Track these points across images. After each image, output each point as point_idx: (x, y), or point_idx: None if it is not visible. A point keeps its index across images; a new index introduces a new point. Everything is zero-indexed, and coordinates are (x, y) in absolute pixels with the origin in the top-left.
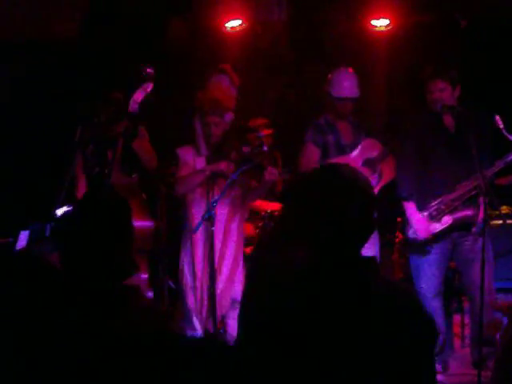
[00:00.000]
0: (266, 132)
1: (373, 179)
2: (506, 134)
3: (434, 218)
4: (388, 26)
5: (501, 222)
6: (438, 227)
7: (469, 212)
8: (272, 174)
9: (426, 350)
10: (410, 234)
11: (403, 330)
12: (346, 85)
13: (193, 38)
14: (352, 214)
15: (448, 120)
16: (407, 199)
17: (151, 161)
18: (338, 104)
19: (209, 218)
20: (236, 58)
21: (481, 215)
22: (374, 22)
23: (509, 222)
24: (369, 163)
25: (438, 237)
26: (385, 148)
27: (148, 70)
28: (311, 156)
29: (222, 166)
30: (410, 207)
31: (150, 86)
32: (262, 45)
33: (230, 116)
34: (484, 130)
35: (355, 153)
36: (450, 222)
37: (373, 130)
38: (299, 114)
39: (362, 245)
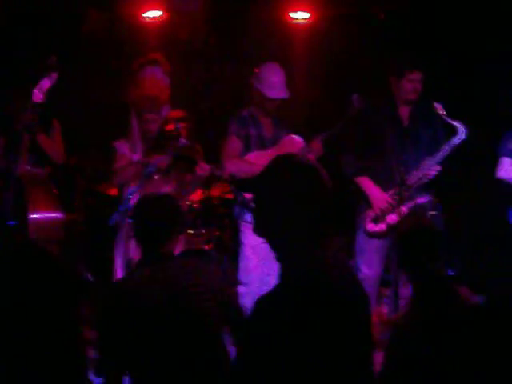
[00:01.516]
0: (181, 124)
1: None
2: (447, 119)
3: (392, 209)
4: (307, 18)
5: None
6: (395, 218)
7: (422, 200)
8: (203, 169)
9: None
10: (369, 227)
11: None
12: (275, 83)
13: (111, 29)
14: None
15: (404, 111)
16: (358, 174)
17: (58, 154)
18: (266, 102)
19: (125, 211)
20: (155, 49)
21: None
22: (293, 15)
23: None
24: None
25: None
26: (306, 145)
27: (52, 58)
28: (234, 148)
29: (156, 158)
30: (364, 180)
31: (54, 76)
32: (182, 36)
33: (166, 110)
34: (434, 119)
35: (276, 148)
36: (406, 211)
37: (293, 124)
38: (220, 106)
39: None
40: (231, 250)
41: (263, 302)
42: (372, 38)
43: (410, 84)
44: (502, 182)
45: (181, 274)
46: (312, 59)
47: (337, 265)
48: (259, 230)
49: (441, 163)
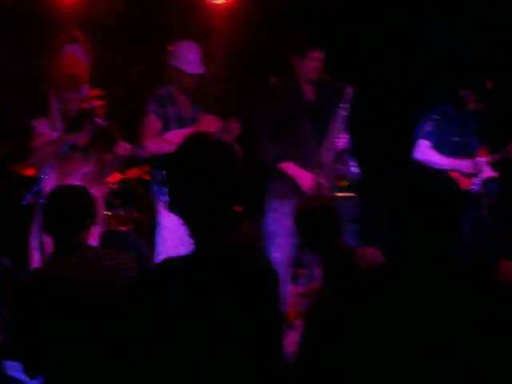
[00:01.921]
0: (97, 103)
1: None
2: (336, 83)
3: (319, 188)
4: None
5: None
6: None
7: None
8: (124, 148)
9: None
10: None
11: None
12: (192, 60)
13: (26, 4)
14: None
15: (309, 90)
16: (282, 159)
17: None
18: (185, 79)
19: (38, 192)
20: (72, 25)
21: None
22: None
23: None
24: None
25: None
26: (226, 124)
27: None
28: (153, 127)
29: (72, 137)
30: (288, 165)
31: None
32: (98, 13)
33: (86, 89)
34: (339, 102)
35: (194, 127)
36: (330, 188)
37: (212, 104)
38: (140, 86)
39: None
40: (150, 232)
41: (165, 269)
42: (290, 19)
43: (313, 63)
44: (418, 163)
45: (102, 261)
46: (230, 40)
47: (247, 244)
48: (173, 208)
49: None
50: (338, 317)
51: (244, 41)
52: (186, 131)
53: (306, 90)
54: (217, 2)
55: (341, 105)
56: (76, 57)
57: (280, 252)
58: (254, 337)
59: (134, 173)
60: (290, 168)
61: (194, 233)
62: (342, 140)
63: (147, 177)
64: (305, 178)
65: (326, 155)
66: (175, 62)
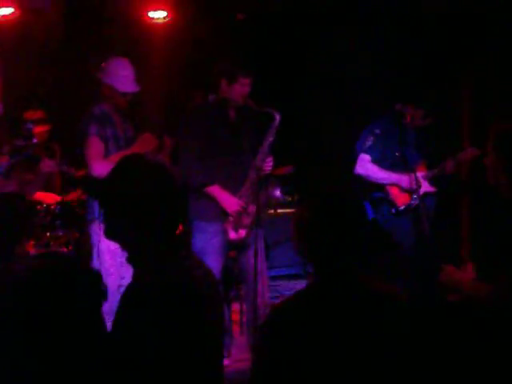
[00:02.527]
0: (40, 128)
1: None
2: (261, 109)
3: (243, 211)
4: (165, 17)
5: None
6: (247, 220)
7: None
8: (48, 165)
9: None
10: (232, 236)
11: None
12: (126, 78)
13: None
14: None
15: (232, 113)
16: (210, 184)
17: None
18: (118, 97)
19: None
20: (7, 47)
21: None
22: (151, 14)
23: (280, 211)
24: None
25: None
26: (160, 141)
27: None
28: (98, 150)
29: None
30: (214, 189)
31: None
32: (37, 34)
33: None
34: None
35: (134, 147)
36: (254, 209)
37: (149, 124)
38: (76, 105)
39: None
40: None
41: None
42: (232, 38)
43: (242, 88)
44: (359, 178)
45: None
46: (170, 58)
47: (200, 265)
48: (109, 234)
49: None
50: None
51: (181, 59)
52: (126, 153)
53: (229, 112)
54: (157, 21)
55: (269, 130)
56: None
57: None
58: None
59: (73, 194)
60: (216, 191)
61: (135, 259)
62: (268, 164)
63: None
64: (229, 202)
65: (252, 178)
66: (108, 79)
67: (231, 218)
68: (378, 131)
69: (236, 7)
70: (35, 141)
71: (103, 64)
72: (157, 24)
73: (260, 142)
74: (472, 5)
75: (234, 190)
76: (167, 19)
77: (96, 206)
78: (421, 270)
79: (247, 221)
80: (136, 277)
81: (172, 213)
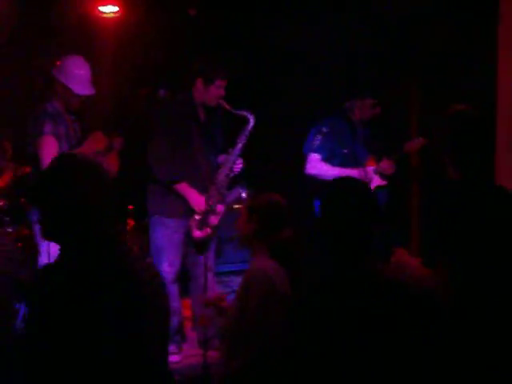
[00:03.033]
0: None
1: None
2: (235, 111)
3: (211, 210)
4: (116, 12)
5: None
6: (215, 220)
7: (232, 196)
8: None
9: None
10: (197, 234)
11: None
12: (83, 79)
13: None
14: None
15: (201, 112)
16: (179, 180)
17: None
18: (71, 98)
19: None
20: None
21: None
22: (101, 9)
23: (235, 206)
24: (98, 155)
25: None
26: (109, 140)
27: None
28: (53, 149)
29: None
30: (182, 186)
31: None
32: None
33: None
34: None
35: (85, 146)
36: (222, 209)
37: (98, 121)
38: (24, 103)
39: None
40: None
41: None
42: (182, 33)
43: (218, 90)
44: (310, 178)
45: None
46: (121, 54)
47: (141, 262)
48: (46, 235)
49: (241, 155)
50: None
51: (132, 55)
52: (78, 151)
53: (199, 111)
54: (108, 15)
55: (242, 132)
56: None
57: (171, 266)
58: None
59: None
60: (185, 189)
61: (67, 257)
62: (238, 165)
63: None
64: (198, 201)
65: (221, 178)
66: (63, 78)
67: (197, 217)
68: (325, 129)
69: (188, 2)
70: None
71: (58, 62)
72: (107, 19)
73: (230, 143)
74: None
75: (202, 190)
76: (117, 14)
77: None
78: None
79: (215, 220)
80: (71, 276)
81: (106, 211)
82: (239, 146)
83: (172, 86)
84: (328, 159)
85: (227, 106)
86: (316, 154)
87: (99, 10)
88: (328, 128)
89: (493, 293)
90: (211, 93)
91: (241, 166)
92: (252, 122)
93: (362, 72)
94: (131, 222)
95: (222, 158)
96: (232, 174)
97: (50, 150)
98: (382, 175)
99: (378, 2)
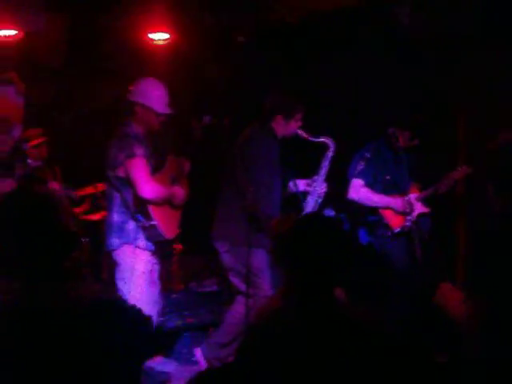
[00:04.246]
0: (35, 141)
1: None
2: (315, 139)
3: None
4: (167, 39)
5: None
6: None
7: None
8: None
9: None
10: None
11: None
12: (160, 98)
13: None
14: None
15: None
16: (275, 216)
17: None
18: (152, 118)
19: None
20: (12, 68)
21: None
22: (152, 36)
23: None
24: (175, 180)
25: None
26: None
27: None
28: (147, 172)
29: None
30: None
31: None
32: (39, 55)
33: (18, 130)
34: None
35: (165, 170)
36: None
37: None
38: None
39: None
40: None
41: None
42: (232, 60)
43: (297, 124)
44: (353, 203)
45: None
46: (173, 80)
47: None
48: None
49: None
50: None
51: (183, 81)
52: (162, 174)
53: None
54: (158, 42)
55: (324, 158)
56: (7, 98)
57: (271, 286)
58: None
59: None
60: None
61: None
62: (323, 189)
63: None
64: None
65: (311, 201)
66: (142, 99)
67: None
68: (368, 155)
69: (237, 30)
70: (30, 161)
71: (131, 87)
72: (157, 46)
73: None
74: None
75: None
76: (168, 41)
77: (131, 229)
78: (411, 294)
79: None
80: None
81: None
82: (323, 171)
83: (224, 113)
84: (371, 185)
85: (306, 136)
86: (359, 179)
87: (150, 38)
88: (370, 154)
89: None
90: (291, 126)
91: (324, 190)
92: (332, 147)
93: (405, 98)
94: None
95: (301, 184)
96: (320, 199)
97: (145, 172)
98: (425, 203)
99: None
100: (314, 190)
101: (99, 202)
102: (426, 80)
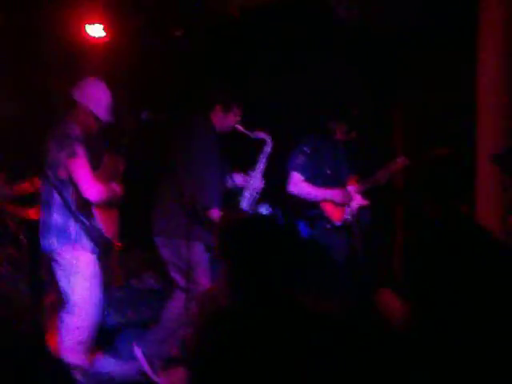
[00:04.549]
0: None
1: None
2: (252, 134)
3: None
4: (103, 31)
5: None
6: None
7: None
8: None
9: None
10: None
11: None
12: (105, 105)
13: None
14: None
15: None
16: (211, 207)
17: None
18: (93, 123)
19: None
20: None
21: None
22: (88, 29)
23: None
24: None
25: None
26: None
27: None
28: (90, 171)
29: None
30: (216, 211)
31: None
32: None
33: None
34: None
35: (102, 169)
36: None
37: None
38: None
39: None
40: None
41: None
42: (169, 55)
43: (235, 118)
44: (292, 196)
45: None
46: (110, 75)
47: None
48: None
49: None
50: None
51: (122, 76)
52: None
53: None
54: (95, 37)
55: (262, 154)
56: None
57: (207, 279)
58: None
59: (9, 208)
60: (217, 214)
61: None
62: (261, 185)
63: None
64: None
65: (248, 201)
66: (86, 101)
67: None
68: (307, 150)
69: (173, 23)
70: None
71: (76, 85)
72: (94, 40)
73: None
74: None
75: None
76: (104, 36)
77: (73, 230)
78: (353, 285)
79: None
80: None
81: None
82: (260, 167)
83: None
84: (311, 179)
85: (244, 130)
86: (298, 173)
87: (86, 32)
88: (309, 148)
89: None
90: (229, 120)
91: (261, 185)
92: (270, 143)
93: (344, 92)
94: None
95: (238, 178)
96: (257, 196)
97: (88, 173)
98: (364, 195)
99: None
100: (250, 184)
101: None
102: (363, 73)
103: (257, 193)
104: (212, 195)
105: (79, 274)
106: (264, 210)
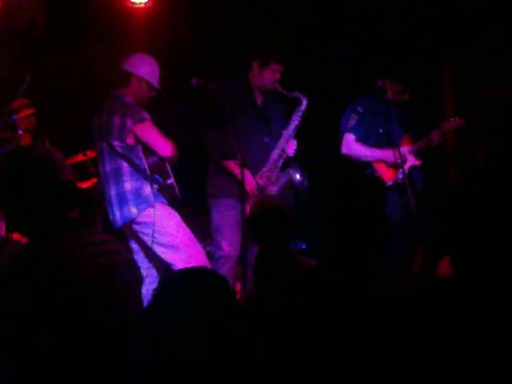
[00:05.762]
0: (25, 112)
1: None
2: (288, 93)
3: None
4: (147, 2)
5: None
6: (275, 189)
7: (283, 179)
8: None
9: None
10: None
11: None
12: (157, 76)
13: None
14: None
15: (259, 97)
16: (226, 157)
17: None
18: (147, 93)
19: None
20: None
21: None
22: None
23: None
24: None
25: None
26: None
27: None
28: (160, 132)
29: None
30: (231, 165)
31: None
32: (19, 26)
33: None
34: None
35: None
36: (275, 190)
37: None
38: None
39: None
40: None
41: None
42: (215, 20)
43: (273, 74)
44: (346, 158)
45: None
46: (155, 44)
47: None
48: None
49: (296, 137)
50: (271, 317)
51: (164, 44)
52: None
53: (256, 95)
54: (137, 5)
55: (295, 113)
56: None
57: (230, 246)
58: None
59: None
60: (234, 168)
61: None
62: (291, 147)
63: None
64: (247, 180)
65: (274, 159)
66: (138, 71)
67: (251, 197)
68: (360, 109)
69: None
70: (21, 132)
71: (126, 57)
72: (137, 9)
73: (285, 126)
74: None
75: (254, 172)
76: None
77: (148, 194)
78: (407, 245)
79: (273, 189)
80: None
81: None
82: (292, 126)
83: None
84: (363, 139)
85: (280, 89)
86: (350, 134)
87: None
88: (362, 107)
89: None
90: (266, 76)
91: (294, 147)
92: (305, 103)
93: (393, 49)
94: None
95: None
96: (285, 155)
97: (158, 133)
98: (418, 155)
99: None
100: (278, 145)
101: (89, 170)
102: (414, 34)
103: (284, 152)
104: (224, 147)
105: (169, 224)
106: (297, 174)
